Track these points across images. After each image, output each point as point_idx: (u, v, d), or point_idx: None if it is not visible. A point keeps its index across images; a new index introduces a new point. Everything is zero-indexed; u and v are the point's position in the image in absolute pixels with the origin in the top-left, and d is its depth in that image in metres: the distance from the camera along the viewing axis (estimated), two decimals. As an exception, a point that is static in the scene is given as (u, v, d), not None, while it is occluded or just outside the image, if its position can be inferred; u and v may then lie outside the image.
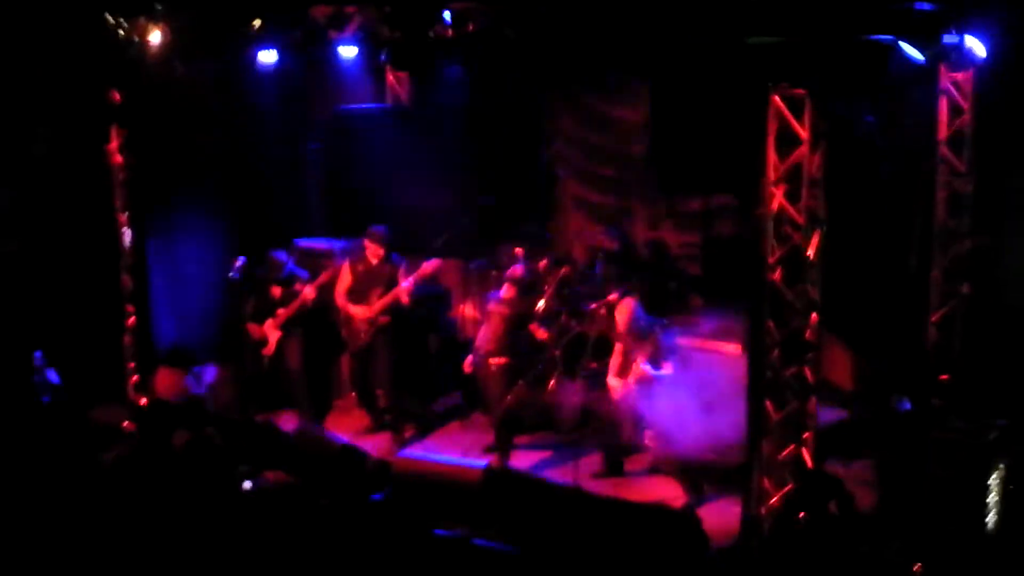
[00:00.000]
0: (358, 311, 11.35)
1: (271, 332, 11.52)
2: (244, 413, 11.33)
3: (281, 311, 11.48)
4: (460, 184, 12.39)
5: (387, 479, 9.70)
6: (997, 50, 8.91)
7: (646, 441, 10.23)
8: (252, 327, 11.56)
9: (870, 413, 9.77)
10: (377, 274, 11.31)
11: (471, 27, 9.89)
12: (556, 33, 9.50)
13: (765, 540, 8.60)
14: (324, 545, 8.30)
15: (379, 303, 11.24)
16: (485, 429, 11.22)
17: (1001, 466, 8.57)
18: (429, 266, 11.22)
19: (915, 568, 7.92)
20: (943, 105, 9.76)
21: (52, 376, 11.35)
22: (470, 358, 11.02)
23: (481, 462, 9.82)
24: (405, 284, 11.15)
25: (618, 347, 10.19)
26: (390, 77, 13.16)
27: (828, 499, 8.07)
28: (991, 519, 8.48)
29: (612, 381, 10.17)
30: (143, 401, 11.51)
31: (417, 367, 11.81)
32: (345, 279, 11.45)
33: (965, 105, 9.76)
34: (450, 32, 10.01)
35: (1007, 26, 8.81)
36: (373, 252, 11.32)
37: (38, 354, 11.31)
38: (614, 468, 10.50)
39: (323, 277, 11.50)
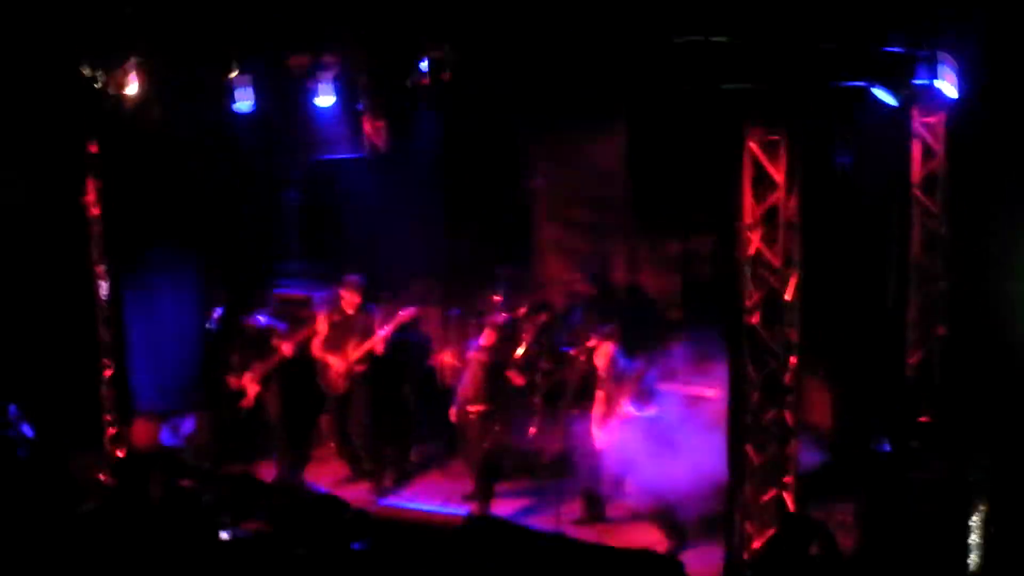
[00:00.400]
0: (334, 361, 11.31)
1: (250, 384, 11.46)
2: (222, 464, 11.25)
3: (259, 364, 11.42)
4: (438, 231, 12.40)
5: (367, 528, 9.62)
6: (968, 91, 9.00)
7: (628, 487, 10.18)
8: (231, 379, 11.50)
9: (850, 455, 9.76)
10: (353, 323, 11.29)
11: (447, 75, 9.96)
12: (531, 79, 9.58)
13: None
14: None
15: (355, 352, 11.20)
16: (465, 477, 11.15)
17: (982, 507, 8.56)
18: (405, 314, 11.21)
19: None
20: (916, 148, 9.83)
21: (27, 430, 11.24)
22: (454, 407, 10.99)
23: (462, 510, 9.76)
24: (381, 333, 11.13)
25: (600, 395, 10.15)
26: (367, 125, 13.20)
27: (810, 542, 8.02)
28: (973, 560, 8.46)
29: (595, 431, 10.12)
30: (120, 453, 11.41)
31: (395, 416, 11.75)
32: (322, 329, 11.42)
33: (937, 147, 9.84)
34: (426, 80, 10.09)
35: (976, 67, 8.91)
36: (349, 301, 11.31)
37: (12, 408, 11.21)
38: (595, 514, 10.45)
39: (302, 333, 11.46)
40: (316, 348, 11.43)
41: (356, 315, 11.30)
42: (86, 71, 10.77)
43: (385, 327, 11.15)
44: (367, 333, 11.19)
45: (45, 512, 9.87)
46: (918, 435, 9.57)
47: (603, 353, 10.15)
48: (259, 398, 11.48)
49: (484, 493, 10.68)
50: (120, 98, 10.78)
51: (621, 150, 11.73)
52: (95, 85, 10.81)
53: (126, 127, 11.08)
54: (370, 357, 11.22)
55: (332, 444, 11.86)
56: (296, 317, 11.77)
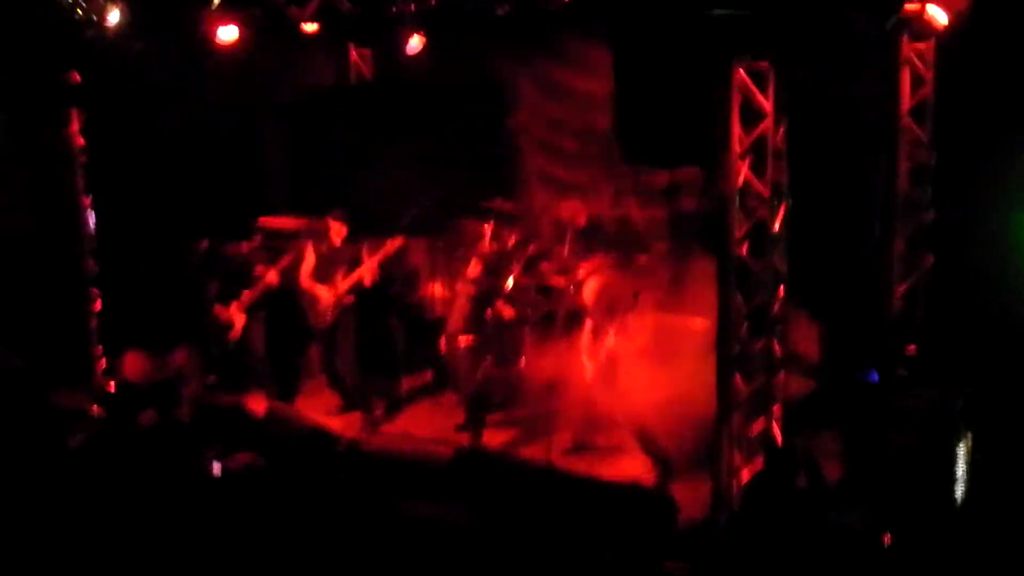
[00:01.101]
0: (322, 292, 11.30)
1: (236, 315, 11.45)
2: (212, 395, 11.28)
3: (245, 293, 11.40)
4: (425, 161, 12.31)
5: (358, 459, 9.70)
6: (959, 17, 8.92)
7: (617, 417, 10.25)
8: (218, 309, 11.49)
9: (837, 385, 9.82)
10: (340, 254, 11.26)
11: (432, 2, 9.86)
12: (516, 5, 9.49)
13: (735, 515, 8.64)
14: (293, 526, 8.30)
15: (343, 283, 11.19)
16: (455, 408, 11.20)
17: (968, 435, 8.63)
18: (392, 244, 11.19)
19: (884, 538, 7.99)
20: (905, 76, 9.75)
21: (13, 361, 11.24)
22: (443, 338, 11.01)
23: (452, 441, 9.82)
24: (369, 263, 11.10)
25: (587, 324, 10.18)
26: (353, 54, 13.04)
27: (796, 474, 8.11)
28: (959, 489, 8.55)
29: (584, 359, 10.16)
30: (110, 385, 11.43)
31: (384, 347, 11.76)
32: (309, 260, 11.39)
33: (927, 75, 9.77)
34: (412, 6, 9.98)
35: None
36: (336, 232, 11.27)
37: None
38: (584, 444, 10.52)
39: (286, 260, 11.44)
40: (304, 279, 11.41)
41: (343, 246, 11.27)
42: (66, 1, 10.62)
43: (372, 257, 11.13)
44: (355, 264, 11.18)
45: (34, 444, 9.92)
46: (905, 365, 9.64)
47: (592, 284, 10.15)
48: (246, 329, 11.47)
49: (475, 424, 10.74)
50: (101, 27, 10.63)
51: (608, 78, 11.62)
52: (76, 14, 10.65)
53: (108, 57, 10.94)
54: (358, 288, 11.21)
55: (323, 375, 11.88)
56: (281, 247, 11.73)
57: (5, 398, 10.95)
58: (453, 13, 10.04)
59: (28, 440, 9.97)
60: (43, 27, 10.91)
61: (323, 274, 11.33)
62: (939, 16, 8.81)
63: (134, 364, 11.64)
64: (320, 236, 11.44)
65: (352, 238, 11.30)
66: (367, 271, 11.13)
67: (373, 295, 11.31)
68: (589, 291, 10.17)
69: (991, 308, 9.44)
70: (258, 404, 11.15)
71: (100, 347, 11.61)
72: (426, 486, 9.12)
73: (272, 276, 11.36)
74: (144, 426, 10.04)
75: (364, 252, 11.24)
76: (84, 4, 10.63)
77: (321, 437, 9.89)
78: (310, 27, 10.73)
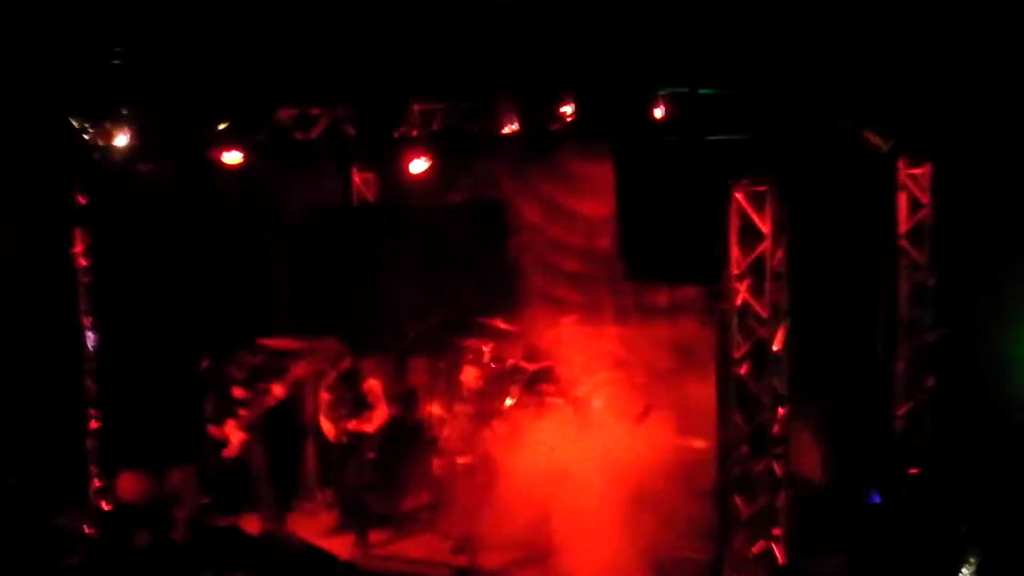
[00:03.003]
0: (327, 427, 11.28)
1: (233, 433, 11.37)
2: (208, 515, 11.14)
3: (243, 412, 11.35)
4: (427, 281, 12.38)
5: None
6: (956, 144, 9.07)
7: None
8: (213, 428, 11.43)
9: (840, 506, 9.71)
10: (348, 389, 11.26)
11: (436, 125, 10.02)
12: (519, 129, 9.64)
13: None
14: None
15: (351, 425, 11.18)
16: (452, 528, 11.05)
17: (973, 559, 8.51)
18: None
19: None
20: (902, 200, 9.88)
21: (11, 481, 11.15)
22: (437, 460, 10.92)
23: (449, 563, 9.68)
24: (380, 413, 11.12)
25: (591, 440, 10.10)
26: (356, 178, 13.22)
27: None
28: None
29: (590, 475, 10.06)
30: (106, 506, 11.31)
31: (382, 467, 11.66)
32: (324, 395, 11.38)
33: (924, 199, 9.88)
34: (415, 132, 10.14)
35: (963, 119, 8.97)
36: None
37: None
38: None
39: (287, 379, 11.43)
40: (321, 412, 11.39)
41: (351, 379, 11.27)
42: (75, 122, 10.79)
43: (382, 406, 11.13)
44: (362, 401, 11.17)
45: (30, 565, 9.79)
46: (907, 486, 9.55)
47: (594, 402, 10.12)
48: (244, 448, 11.40)
49: (471, 545, 10.59)
50: (108, 150, 10.79)
51: (610, 199, 11.75)
52: (84, 136, 10.82)
53: (114, 179, 11.09)
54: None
55: (318, 495, 11.77)
56: (283, 367, 11.71)
57: (2, 518, 10.86)
58: (457, 135, 10.19)
59: (24, 560, 9.85)
60: (52, 147, 11.07)
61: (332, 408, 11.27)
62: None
63: (130, 484, 11.54)
64: (327, 366, 11.42)
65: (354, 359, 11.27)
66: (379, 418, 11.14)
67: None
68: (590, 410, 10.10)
69: (995, 429, 9.39)
70: (253, 524, 11.06)
71: (96, 467, 11.50)
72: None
73: (271, 396, 11.31)
74: (139, 547, 9.91)
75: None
76: (93, 126, 10.80)
77: (318, 558, 9.74)
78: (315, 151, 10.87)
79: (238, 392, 11.39)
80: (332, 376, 11.32)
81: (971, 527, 8.64)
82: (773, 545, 8.86)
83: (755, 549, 8.87)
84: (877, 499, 9.31)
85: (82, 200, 11.35)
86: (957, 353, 9.78)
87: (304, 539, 10.52)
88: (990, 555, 8.60)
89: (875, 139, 8.78)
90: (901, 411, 9.88)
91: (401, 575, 9.60)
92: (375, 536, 11.26)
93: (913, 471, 9.70)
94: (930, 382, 9.90)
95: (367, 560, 10.13)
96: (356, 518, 11.38)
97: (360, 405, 11.18)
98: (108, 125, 10.72)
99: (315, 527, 11.50)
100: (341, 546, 10.92)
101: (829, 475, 10.19)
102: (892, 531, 8.81)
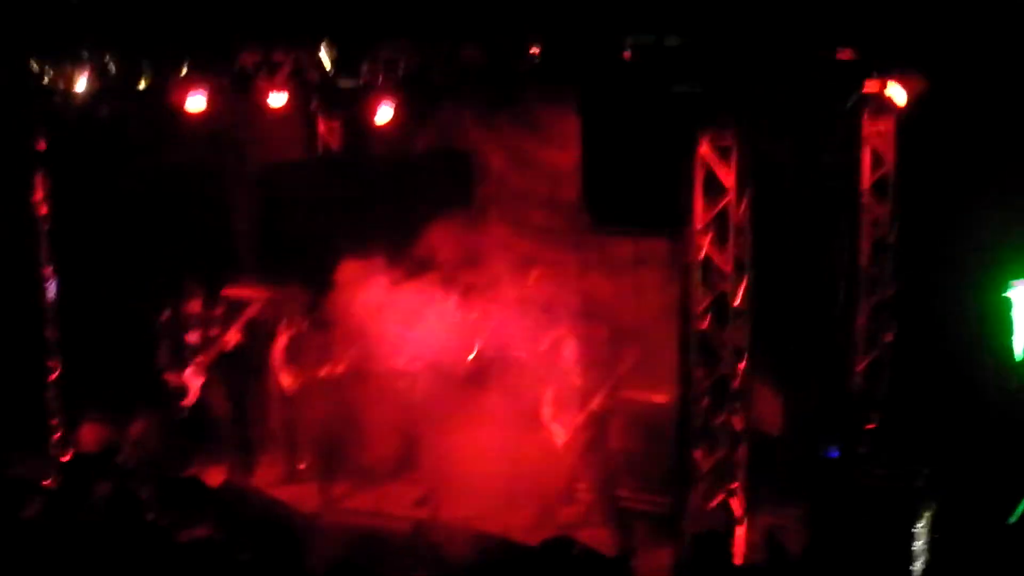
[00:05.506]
0: (286, 378, 11.22)
1: (191, 381, 11.32)
2: (169, 465, 11.11)
3: (199, 358, 11.30)
4: (392, 232, 12.29)
5: (316, 533, 9.54)
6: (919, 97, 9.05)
7: (580, 490, 10.17)
8: (170, 375, 11.37)
9: (798, 460, 9.79)
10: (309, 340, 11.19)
11: (401, 69, 9.93)
12: (484, 78, 9.56)
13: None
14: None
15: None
16: (417, 481, 11.06)
17: (927, 513, 8.60)
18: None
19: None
20: (866, 154, 9.88)
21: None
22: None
23: (413, 514, 9.71)
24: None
25: (553, 394, 10.11)
26: (321, 126, 13.09)
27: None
28: (917, 566, 8.50)
29: (553, 428, 10.08)
30: (65, 456, 11.26)
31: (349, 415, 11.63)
32: (281, 340, 11.31)
33: (888, 153, 9.88)
34: (381, 75, 10.05)
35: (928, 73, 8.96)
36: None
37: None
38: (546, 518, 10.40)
39: (244, 318, 11.36)
40: (276, 357, 11.31)
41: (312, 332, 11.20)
42: (34, 67, 10.62)
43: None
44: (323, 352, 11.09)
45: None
46: (865, 441, 9.63)
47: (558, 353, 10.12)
48: (203, 395, 11.36)
49: (435, 496, 10.61)
50: (68, 94, 10.63)
51: (574, 150, 11.69)
52: (43, 81, 10.66)
53: (74, 125, 10.94)
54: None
55: (280, 444, 11.76)
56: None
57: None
58: (423, 80, 10.11)
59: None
60: (10, 93, 10.89)
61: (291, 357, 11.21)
62: (898, 95, 8.95)
63: (90, 433, 11.49)
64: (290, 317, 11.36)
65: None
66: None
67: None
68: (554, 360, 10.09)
69: (953, 383, 9.46)
70: (216, 475, 11.03)
71: (56, 416, 11.43)
72: (386, 559, 8.99)
73: (227, 340, 11.25)
74: (98, 497, 9.86)
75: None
76: (52, 70, 10.63)
77: (279, 511, 9.72)
78: (279, 98, 10.75)
79: (193, 338, 11.34)
80: (303, 323, 11.26)
81: (927, 481, 8.72)
82: (730, 499, 8.92)
83: (713, 502, 8.93)
84: (835, 453, 9.38)
85: (42, 146, 11.19)
86: (916, 308, 9.83)
87: (265, 491, 10.51)
88: (945, 508, 8.69)
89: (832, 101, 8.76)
90: (860, 366, 9.93)
91: (361, 528, 9.58)
92: (339, 487, 11.28)
93: (871, 426, 9.78)
94: (889, 337, 9.95)
95: (328, 513, 10.12)
96: (321, 468, 11.40)
97: (329, 351, 11.13)
98: (68, 68, 10.56)
99: (278, 477, 11.50)
100: (306, 496, 10.93)
101: (788, 429, 10.28)
102: (849, 484, 8.88)
